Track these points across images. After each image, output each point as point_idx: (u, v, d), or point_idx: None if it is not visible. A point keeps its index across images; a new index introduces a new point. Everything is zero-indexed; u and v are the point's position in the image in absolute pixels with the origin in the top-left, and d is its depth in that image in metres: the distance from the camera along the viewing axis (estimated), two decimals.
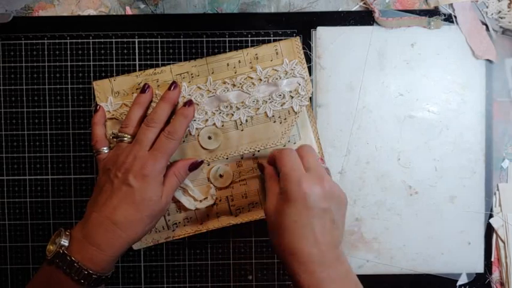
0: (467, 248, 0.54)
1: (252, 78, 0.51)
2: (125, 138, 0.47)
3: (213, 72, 0.52)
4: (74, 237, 0.43)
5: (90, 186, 0.54)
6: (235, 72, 0.52)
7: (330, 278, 0.40)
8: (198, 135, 0.51)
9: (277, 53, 0.52)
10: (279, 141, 0.51)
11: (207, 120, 0.51)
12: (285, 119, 0.52)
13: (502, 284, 0.54)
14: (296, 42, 0.52)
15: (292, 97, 0.51)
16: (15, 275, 0.54)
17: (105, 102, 0.52)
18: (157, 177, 0.45)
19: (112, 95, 0.52)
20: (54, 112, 0.54)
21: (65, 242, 0.42)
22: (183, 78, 0.52)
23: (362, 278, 0.54)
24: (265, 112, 0.52)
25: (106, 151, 0.48)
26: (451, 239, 0.54)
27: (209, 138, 0.51)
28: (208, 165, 0.52)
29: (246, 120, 0.52)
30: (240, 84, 0.51)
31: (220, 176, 0.52)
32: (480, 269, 0.54)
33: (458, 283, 0.54)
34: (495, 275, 0.55)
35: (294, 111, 0.52)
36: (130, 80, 0.52)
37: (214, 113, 0.51)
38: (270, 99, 0.51)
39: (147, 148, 0.46)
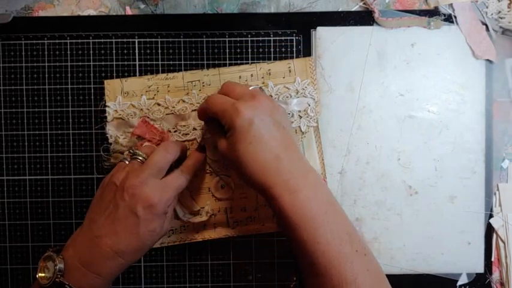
0: (467, 248, 0.54)
1: None
2: (140, 158, 0.46)
3: None
4: (70, 264, 0.41)
5: (90, 186, 0.54)
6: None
7: (301, 184, 0.40)
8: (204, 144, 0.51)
9: (290, 71, 0.52)
10: None
11: None
12: None
13: (502, 284, 0.54)
14: (310, 61, 0.52)
15: (300, 117, 0.52)
16: (15, 275, 0.54)
17: (113, 102, 0.52)
18: (163, 209, 0.44)
19: (121, 95, 0.52)
20: (54, 112, 0.54)
21: (60, 267, 0.41)
22: (194, 85, 0.52)
23: None
24: None
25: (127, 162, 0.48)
26: (451, 239, 0.54)
27: (215, 148, 0.52)
28: (211, 175, 0.52)
29: None
30: None
31: (222, 187, 0.52)
32: (480, 269, 0.54)
33: (458, 283, 0.54)
34: (495, 275, 0.55)
35: (301, 131, 0.52)
36: (141, 82, 0.52)
37: None
38: None
39: (159, 176, 0.44)
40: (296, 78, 0.52)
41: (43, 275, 0.41)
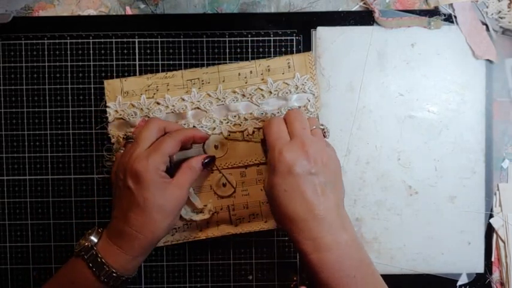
0: (467, 248, 0.54)
1: (262, 90, 0.52)
2: (132, 140, 0.47)
3: (223, 81, 0.52)
4: (103, 236, 0.44)
5: (90, 186, 0.54)
6: (246, 83, 0.52)
7: (332, 244, 0.40)
8: (204, 142, 0.51)
9: (289, 67, 0.52)
10: None
11: (214, 128, 0.52)
12: None
13: (502, 284, 0.54)
14: (309, 57, 0.52)
15: None
16: (15, 275, 0.54)
17: (113, 102, 0.52)
18: (152, 175, 0.43)
19: (121, 95, 0.52)
20: (54, 112, 0.54)
21: (94, 238, 0.44)
22: (194, 84, 0.52)
23: None
24: None
25: (122, 151, 0.48)
26: (451, 239, 0.54)
27: (215, 147, 0.52)
28: (213, 172, 0.52)
29: (253, 132, 0.52)
30: (250, 95, 0.51)
31: (223, 185, 0.52)
32: (480, 269, 0.54)
33: (459, 283, 0.54)
34: (495, 275, 0.55)
35: None
36: (140, 81, 0.52)
37: (222, 122, 0.52)
38: (278, 112, 0.52)
39: (145, 146, 0.45)
40: (295, 73, 0.52)
41: (82, 241, 0.44)
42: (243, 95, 0.52)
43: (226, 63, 0.53)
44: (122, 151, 0.48)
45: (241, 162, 0.52)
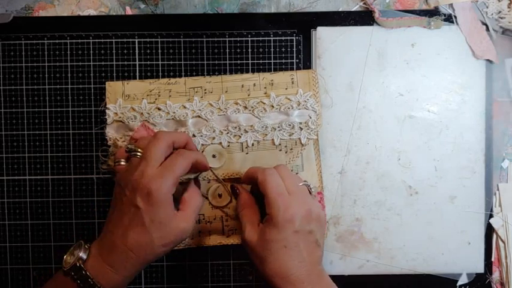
0: (467, 248, 0.54)
1: (264, 103, 0.52)
2: (138, 154, 0.44)
3: (226, 91, 0.52)
4: (92, 253, 0.43)
5: (90, 186, 0.54)
6: (249, 95, 0.52)
7: None
8: (202, 151, 0.51)
9: (292, 82, 0.52)
10: None
11: (214, 138, 0.51)
12: (291, 149, 0.52)
13: (502, 284, 0.54)
14: (313, 74, 0.52)
15: (301, 129, 0.52)
16: (15, 275, 0.54)
17: (114, 104, 0.52)
18: (164, 196, 0.42)
19: (122, 98, 0.52)
20: (54, 112, 0.54)
21: (83, 255, 0.42)
22: (196, 92, 0.52)
23: (362, 278, 0.54)
24: (273, 139, 0.52)
25: (123, 163, 0.46)
26: (451, 239, 0.54)
27: (213, 156, 0.52)
28: (209, 182, 0.52)
29: (253, 144, 0.52)
30: (252, 107, 0.51)
31: (219, 195, 0.52)
32: (480, 269, 0.54)
33: (459, 283, 0.54)
34: (495, 275, 0.55)
35: (301, 143, 0.52)
36: (143, 86, 0.52)
37: (222, 132, 0.52)
38: (279, 127, 0.52)
39: (156, 164, 0.43)
40: (298, 90, 0.52)
41: (68, 258, 0.43)
42: (245, 107, 0.52)
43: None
44: (123, 163, 0.46)
45: (238, 174, 0.52)
